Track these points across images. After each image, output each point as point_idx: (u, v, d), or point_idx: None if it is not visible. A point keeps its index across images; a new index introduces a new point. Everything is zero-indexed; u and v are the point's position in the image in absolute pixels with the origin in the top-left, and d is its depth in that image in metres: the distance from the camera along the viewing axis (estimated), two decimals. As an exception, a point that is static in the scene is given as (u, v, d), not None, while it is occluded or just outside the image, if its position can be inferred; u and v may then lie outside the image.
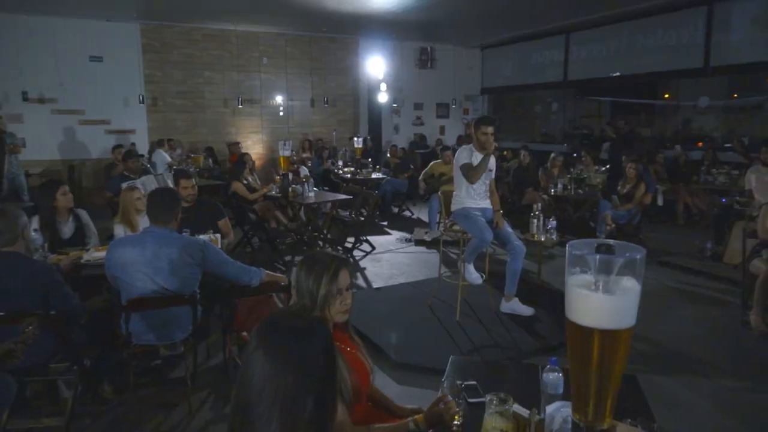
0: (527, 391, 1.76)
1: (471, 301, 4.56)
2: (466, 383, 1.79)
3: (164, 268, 2.77)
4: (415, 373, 3.50)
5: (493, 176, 4.38)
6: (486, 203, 4.32)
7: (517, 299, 4.33)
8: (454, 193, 4.42)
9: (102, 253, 3.52)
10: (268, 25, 10.86)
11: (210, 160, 9.56)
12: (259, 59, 11.38)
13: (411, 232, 7.77)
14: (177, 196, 3.02)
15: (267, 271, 3.13)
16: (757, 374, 3.60)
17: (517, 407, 1.47)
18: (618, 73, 10.58)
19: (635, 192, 6.27)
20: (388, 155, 9.77)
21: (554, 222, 4.92)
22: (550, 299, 4.75)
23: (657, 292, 5.18)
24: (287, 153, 6.46)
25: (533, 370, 2.00)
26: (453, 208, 4.41)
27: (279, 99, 11.71)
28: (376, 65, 11.91)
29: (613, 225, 6.21)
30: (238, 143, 10.52)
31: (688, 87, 11.98)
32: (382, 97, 12.05)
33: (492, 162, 4.35)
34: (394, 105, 12.89)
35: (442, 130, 13.92)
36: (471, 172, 4.22)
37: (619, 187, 6.52)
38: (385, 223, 8.41)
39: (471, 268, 4.29)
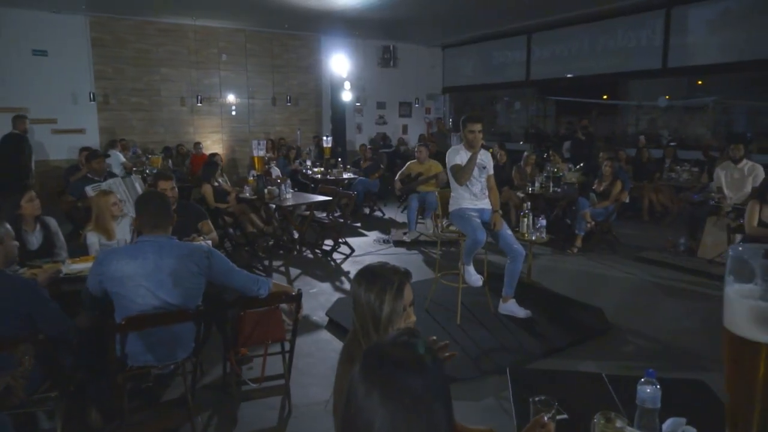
0: (605, 404, 1.65)
1: (467, 303, 4.45)
2: (538, 399, 1.66)
3: (167, 281, 2.50)
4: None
5: (491, 172, 4.29)
6: (484, 203, 4.23)
7: (514, 300, 4.26)
8: (451, 193, 4.31)
9: (82, 266, 3.18)
10: (227, 20, 10.42)
11: (169, 161, 9.06)
12: (218, 56, 10.92)
13: (386, 232, 7.64)
14: (168, 199, 2.73)
15: (274, 281, 2.91)
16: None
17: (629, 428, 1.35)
18: (571, 75, 10.85)
19: (612, 189, 6.38)
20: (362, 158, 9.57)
21: (544, 221, 4.90)
22: (541, 299, 4.72)
23: (641, 288, 5.27)
24: (261, 153, 6.16)
25: (596, 378, 1.91)
26: (450, 208, 4.30)
27: (239, 97, 11.29)
28: (339, 63, 11.69)
29: (593, 222, 6.29)
30: (199, 143, 10.04)
31: (631, 89, 12.43)
32: (346, 96, 11.84)
33: (487, 158, 4.27)
34: (358, 104, 12.71)
35: (404, 129, 13.86)
36: (459, 174, 4.11)
37: (594, 185, 6.62)
38: (359, 225, 8.23)
39: (471, 269, 4.19)
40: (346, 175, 8.61)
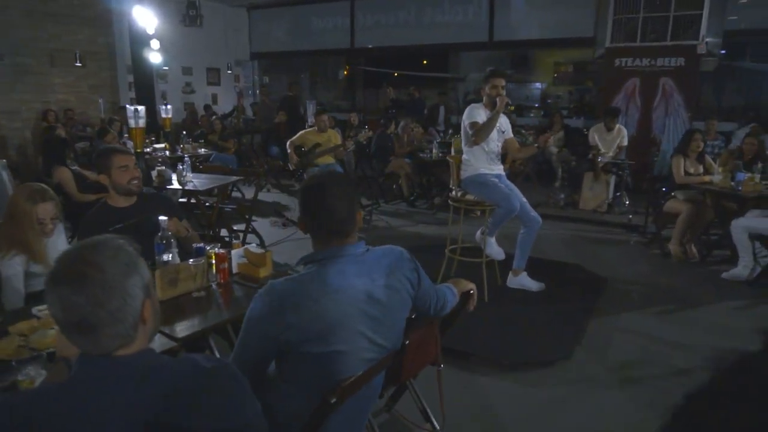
0: None
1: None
2: None
3: (382, 317, 1.54)
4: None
5: (510, 136, 3.96)
6: (500, 168, 3.90)
7: (525, 273, 4.06)
8: (464, 157, 3.85)
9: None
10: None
11: None
12: (-39, -8, 7.74)
13: (265, 215, 6.62)
14: (354, 182, 1.67)
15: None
16: (707, 294, 4.17)
17: None
18: (398, 44, 11.02)
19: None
20: (207, 131, 8.00)
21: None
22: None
23: (569, 241, 5.67)
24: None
25: None
26: (463, 174, 3.85)
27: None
28: (140, 16, 9.49)
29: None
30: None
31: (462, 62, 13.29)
32: (155, 57, 9.74)
33: (506, 122, 3.95)
34: (165, 68, 10.62)
35: (215, 98, 12.22)
36: (478, 131, 3.72)
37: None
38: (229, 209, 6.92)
39: (493, 241, 3.84)
40: (201, 151, 7.12)
